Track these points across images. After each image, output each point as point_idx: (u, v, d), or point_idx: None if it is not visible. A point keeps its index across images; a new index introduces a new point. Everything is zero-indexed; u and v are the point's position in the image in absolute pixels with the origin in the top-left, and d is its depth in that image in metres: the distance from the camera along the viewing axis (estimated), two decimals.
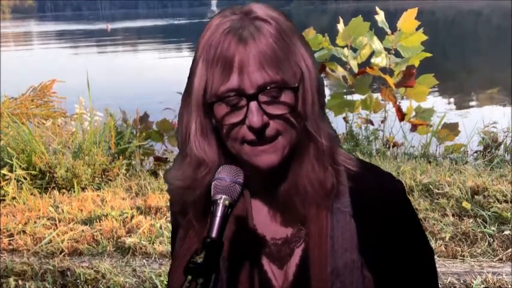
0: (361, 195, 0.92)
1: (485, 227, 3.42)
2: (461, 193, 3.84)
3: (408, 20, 5.70)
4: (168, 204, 1.01)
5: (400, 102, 5.78)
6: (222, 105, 0.84)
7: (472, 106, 10.71)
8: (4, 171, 4.67)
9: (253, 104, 0.82)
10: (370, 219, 0.91)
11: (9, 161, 4.78)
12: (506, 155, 5.15)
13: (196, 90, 0.86)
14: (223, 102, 0.84)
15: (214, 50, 0.83)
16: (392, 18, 6.22)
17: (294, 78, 0.84)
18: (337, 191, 0.90)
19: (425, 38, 5.71)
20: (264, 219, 0.95)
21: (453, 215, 3.62)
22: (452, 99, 11.29)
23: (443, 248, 3.24)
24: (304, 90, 0.86)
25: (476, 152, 5.42)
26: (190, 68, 0.89)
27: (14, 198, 4.46)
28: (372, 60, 5.82)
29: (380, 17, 5.92)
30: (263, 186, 0.93)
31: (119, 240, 3.57)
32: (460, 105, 10.65)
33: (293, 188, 0.90)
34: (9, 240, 3.70)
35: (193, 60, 0.88)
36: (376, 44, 5.84)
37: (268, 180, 0.91)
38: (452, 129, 5.62)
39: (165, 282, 3.02)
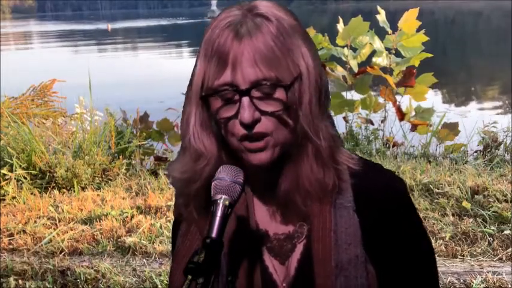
0: (363, 191, 0.92)
1: (485, 227, 3.42)
2: (461, 193, 3.84)
3: (409, 20, 5.70)
4: (170, 202, 1.02)
5: (399, 102, 5.78)
6: (217, 99, 0.85)
7: (472, 106, 10.71)
8: (4, 170, 4.67)
9: (245, 99, 0.82)
10: (372, 215, 0.92)
11: (9, 161, 4.78)
12: (506, 155, 5.15)
13: (196, 83, 0.87)
14: (218, 96, 0.85)
15: (212, 44, 0.84)
16: (392, 18, 6.22)
17: (290, 76, 0.84)
18: (339, 188, 0.91)
19: (426, 39, 5.71)
20: (265, 216, 0.95)
21: (453, 215, 3.62)
22: (452, 99, 11.29)
23: (443, 248, 3.24)
24: (301, 90, 0.85)
25: (476, 151, 5.42)
26: (195, 63, 0.90)
27: (14, 197, 4.47)
28: (373, 59, 5.82)
29: (381, 17, 5.92)
30: (264, 184, 0.93)
31: (119, 239, 3.57)
32: (460, 105, 10.66)
33: (294, 186, 0.90)
34: (10, 239, 3.71)
35: (197, 55, 0.89)
36: (377, 44, 5.84)
37: (269, 178, 0.91)
38: (452, 128, 5.63)
39: (165, 282, 3.02)
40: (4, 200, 4.44)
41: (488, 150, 5.24)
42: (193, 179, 0.91)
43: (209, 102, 0.87)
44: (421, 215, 3.57)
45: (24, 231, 3.78)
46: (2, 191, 4.53)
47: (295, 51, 0.85)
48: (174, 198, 1.01)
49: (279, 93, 0.84)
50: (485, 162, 4.94)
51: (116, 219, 3.82)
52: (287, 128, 0.86)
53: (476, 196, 3.79)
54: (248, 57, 0.82)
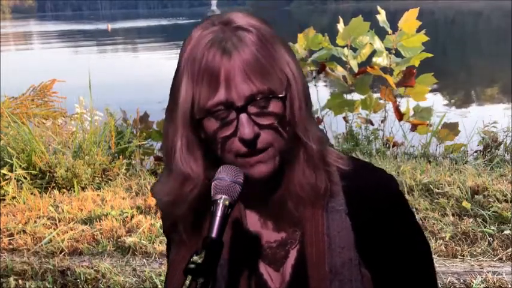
0: (354, 193, 0.92)
1: (485, 227, 3.42)
2: (461, 193, 3.84)
3: (409, 20, 5.70)
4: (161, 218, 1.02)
5: (399, 102, 5.78)
6: (211, 119, 0.84)
7: (472, 106, 10.71)
8: (4, 170, 4.67)
9: (243, 116, 0.82)
10: (365, 216, 0.91)
11: (9, 161, 4.78)
12: (506, 155, 5.14)
13: (182, 105, 0.85)
14: (213, 117, 0.83)
15: (198, 64, 0.82)
16: (393, 18, 6.22)
17: (281, 86, 0.84)
18: (331, 191, 0.91)
19: (426, 39, 5.72)
20: (256, 225, 0.95)
21: (453, 215, 3.62)
22: (452, 99, 11.29)
23: (443, 248, 3.24)
24: (291, 97, 0.86)
25: (476, 151, 5.41)
26: (174, 82, 0.88)
27: (14, 197, 4.46)
28: (374, 59, 5.82)
29: (381, 17, 5.92)
30: (256, 193, 0.92)
31: (119, 239, 3.57)
32: (460, 105, 10.66)
33: (286, 193, 0.90)
34: (10, 239, 3.71)
35: (176, 74, 0.87)
36: (378, 44, 5.84)
37: (262, 187, 0.91)
38: (452, 128, 5.63)
39: None
40: (4, 200, 4.44)
41: (488, 150, 5.24)
42: (180, 202, 0.90)
43: (202, 124, 0.85)
44: (421, 215, 3.58)
45: (24, 231, 3.78)
46: (2, 191, 4.53)
47: (280, 59, 0.85)
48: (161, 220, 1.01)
49: (274, 105, 0.84)
50: (485, 162, 4.94)
51: (116, 219, 3.82)
52: (283, 137, 0.85)
53: (476, 196, 3.79)
54: (240, 72, 0.80)
